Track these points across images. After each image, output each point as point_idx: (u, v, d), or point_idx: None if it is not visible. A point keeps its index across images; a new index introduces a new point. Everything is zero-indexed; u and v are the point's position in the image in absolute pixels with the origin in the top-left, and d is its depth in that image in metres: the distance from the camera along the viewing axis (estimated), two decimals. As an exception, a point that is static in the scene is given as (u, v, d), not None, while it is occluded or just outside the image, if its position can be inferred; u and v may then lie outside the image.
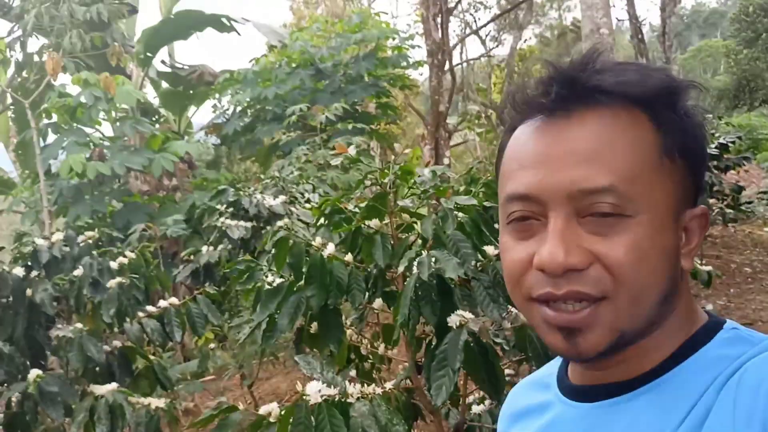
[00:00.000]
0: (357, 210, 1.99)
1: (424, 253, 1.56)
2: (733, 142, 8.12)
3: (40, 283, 2.86)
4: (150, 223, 5.48)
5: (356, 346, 2.09)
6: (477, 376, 1.54)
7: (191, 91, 9.72)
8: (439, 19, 7.38)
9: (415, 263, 1.54)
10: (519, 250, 0.64)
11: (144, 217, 6.45)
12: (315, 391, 1.47)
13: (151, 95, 10.42)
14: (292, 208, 3.90)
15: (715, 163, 8.01)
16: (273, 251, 1.81)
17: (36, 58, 7.54)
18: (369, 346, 1.98)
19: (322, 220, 2.00)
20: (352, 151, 2.00)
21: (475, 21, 9.84)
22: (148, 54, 9.49)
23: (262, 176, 4.58)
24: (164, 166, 6.99)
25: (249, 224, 3.82)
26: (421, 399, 1.91)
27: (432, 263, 1.50)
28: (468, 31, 9.38)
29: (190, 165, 9.80)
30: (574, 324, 0.61)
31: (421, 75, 10.26)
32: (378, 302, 1.88)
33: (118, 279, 2.79)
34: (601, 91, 0.62)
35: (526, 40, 10.56)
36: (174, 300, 3.07)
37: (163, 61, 9.76)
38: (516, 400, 0.83)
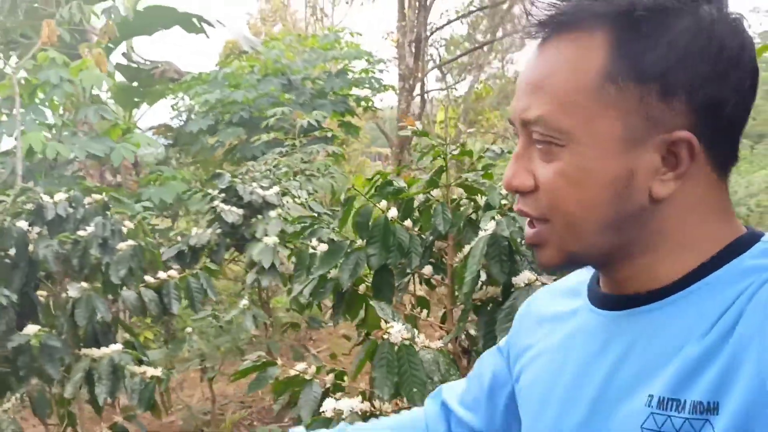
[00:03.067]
0: (405, 185, 2.13)
1: (498, 217, 1.71)
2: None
3: (42, 239, 2.80)
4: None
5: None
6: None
7: (150, 88, 9.54)
8: (413, 47, 7.66)
9: (491, 223, 1.69)
10: None
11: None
12: (396, 331, 1.58)
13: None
14: (284, 200, 3.96)
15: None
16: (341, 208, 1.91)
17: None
18: (410, 310, 2.10)
19: (373, 191, 2.12)
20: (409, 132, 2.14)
21: (439, 56, 10.28)
22: (110, 45, 9.28)
23: (252, 167, 4.61)
24: (125, 156, 6.83)
25: (240, 211, 3.84)
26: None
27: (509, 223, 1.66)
28: (431, 65, 9.75)
29: (135, 163, 9.58)
30: (530, 240, 0.68)
31: (381, 101, 10.51)
32: (428, 268, 2.01)
33: (130, 242, 2.77)
34: (558, 21, 0.63)
35: (481, 81, 11.09)
36: (173, 272, 3.06)
37: (124, 54, 9.56)
38: (543, 303, 0.84)
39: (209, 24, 8.92)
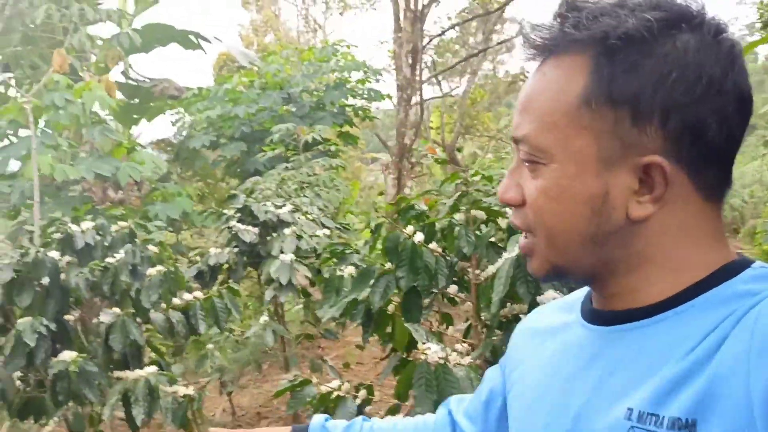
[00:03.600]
0: (427, 208, 2.25)
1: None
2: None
3: (73, 268, 2.90)
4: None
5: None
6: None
7: (151, 104, 9.63)
8: (410, 57, 7.79)
9: (517, 246, 1.81)
10: None
11: (106, 225, 6.35)
12: (433, 353, 1.70)
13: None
14: (296, 216, 4.08)
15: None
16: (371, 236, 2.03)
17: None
18: (436, 326, 2.22)
19: (397, 215, 2.24)
20: (439, 152, 2.26)
21: (433, 62, 10.43)
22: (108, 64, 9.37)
23: (263, 185, 4.72)
24: (131, 175, 6.94)
25: (256, 230, 3.95)
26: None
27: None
28: (427, 73, 9.89)
29: (136, 180, 9.68)
30: (522, 249, 0.73)
31: (378, 108, 10.64)
32: (453, 288, 2.13)
33: (159, 267, 2.88)
34: (547, 46, 0.67)
35: (476, 85, 11.24)
36: (199, 293, 3.17)
37: (123, 72, 9.64)
38: (539, 318, 0.87)
39: (206, 40, 9.03)
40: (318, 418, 1.03)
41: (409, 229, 2.05)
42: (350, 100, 8.81)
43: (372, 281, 2.04)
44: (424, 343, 1.73)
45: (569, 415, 0.69)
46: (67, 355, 2.69)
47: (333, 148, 6.68)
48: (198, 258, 3.87)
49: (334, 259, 2.19)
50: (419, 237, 2.04)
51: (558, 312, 0.83)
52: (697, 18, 0.63)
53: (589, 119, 0.63)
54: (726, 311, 0.59)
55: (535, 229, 0.68)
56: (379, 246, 2.13)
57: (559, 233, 0.66)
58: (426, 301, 2.23)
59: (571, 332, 0.75)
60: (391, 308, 2.17)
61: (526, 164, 0.68)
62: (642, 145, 0.62)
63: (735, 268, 0.64)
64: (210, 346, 3.91)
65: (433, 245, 2.07)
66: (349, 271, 2.29)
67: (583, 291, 0.80)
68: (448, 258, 2.09)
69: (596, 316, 0.72)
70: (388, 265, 2.08)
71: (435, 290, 2.09)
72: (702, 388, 0.56)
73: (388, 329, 2.31)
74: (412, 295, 2.04)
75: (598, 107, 0.63)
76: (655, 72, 0.61)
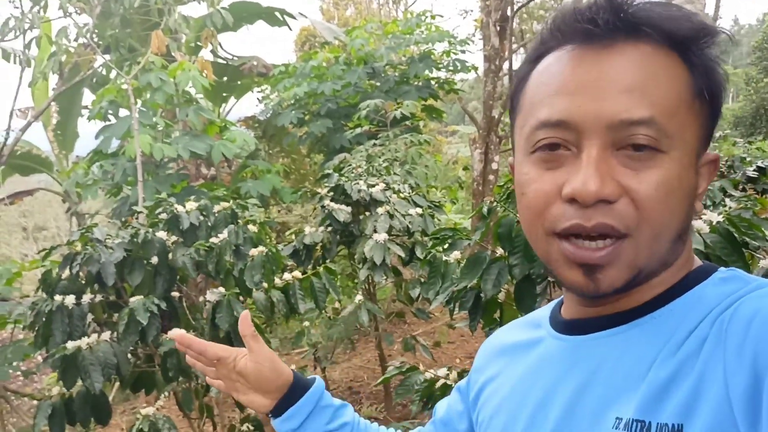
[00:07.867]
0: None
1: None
2: (773, 166, 8.29)
3: (179, 247, 2.99)
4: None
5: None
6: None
7: (239, 82, 9.83)
8: (498, 26, 7.52)
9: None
10: (546, 180, 0.63)
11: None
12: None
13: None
14: (387, 194, 4.03)
15: (750, 185, 8.19)
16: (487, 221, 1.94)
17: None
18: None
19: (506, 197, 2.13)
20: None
21: (521, 32, 10.04)
22: (198, 43, 9.61)
23: (353, 164, 4.71)
24: (224, 153, 7.12)
25: (348, 209, 3.94)
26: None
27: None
28: (516, 45, 9.53)
29: (227, 157, 9.96)
30: (595, 261, 0.61)
31: (462, 82, 10.40)
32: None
33: (261, 248, 2.91)
34: (647, 24, 0.62)
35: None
36: (297, 273, 3.20)
37: (212, 51, 9.87)
38: (504, 336, 0.84)
39: (291, 16, 9.07)
40: (320, 383, 0.98)
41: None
42: (434, 73, 8.65)
43: (483, 268, 1.95)
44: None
45: (547, 428, 0.66)
46: (177, 332, 2.77)
47: (420, 123, 6.56)
48: (293, 237, 3.90)
49: (442, 246, 2.11)
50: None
51: (523, 329, 0.81)
52: None
53: (699, 111, 0.63)
54: (702, 312, 0.60)
55: (639, 228, 0.60)
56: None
57: (665, 229, 0.61)
58: (539, 287, 2.12)
59: (543, 346, 0.73)
60: (502, 296, 2.08)
61: (633, 153, 0.60)
62: (709, 141, 0.65)
63: (706, 270, 0.66)
64: (306, 323, 3.96)
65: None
66: (454, 256, 2.21)
67: (545, 309, 0.79)
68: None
69: (570, 326, 0.71)
70: (500, 252, 1.98)
71: (550, 278, 1.98)
72: (688, 392, 0.55)
73: (494, 315, 2.23)
74: (527, 284, 1.94)
75: (705, 100, 0.63)
76: (723, 72, 0.65)
